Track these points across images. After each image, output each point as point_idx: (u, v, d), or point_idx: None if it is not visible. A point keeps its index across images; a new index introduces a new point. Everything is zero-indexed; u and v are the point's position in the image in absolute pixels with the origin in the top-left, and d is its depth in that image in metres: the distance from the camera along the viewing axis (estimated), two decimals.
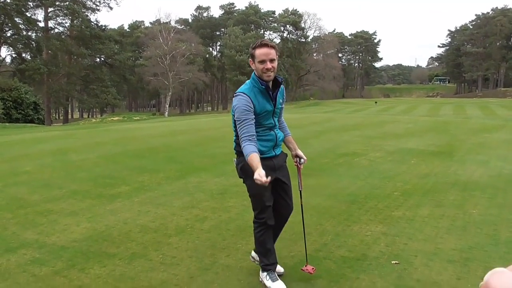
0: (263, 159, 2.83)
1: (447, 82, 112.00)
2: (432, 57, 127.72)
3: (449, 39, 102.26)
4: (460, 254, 3.66)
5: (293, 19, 75.99)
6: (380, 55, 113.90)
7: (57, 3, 54.30)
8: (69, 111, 70.35)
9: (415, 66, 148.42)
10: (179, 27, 72.14)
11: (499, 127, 15.51)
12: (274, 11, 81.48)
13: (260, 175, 2.58)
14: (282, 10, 79.19)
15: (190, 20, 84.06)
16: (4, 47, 53.37)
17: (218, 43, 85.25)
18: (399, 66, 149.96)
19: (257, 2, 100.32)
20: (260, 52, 2.85)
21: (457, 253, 3.68)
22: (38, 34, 54.90)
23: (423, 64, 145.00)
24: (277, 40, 79.76)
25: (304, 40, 79.71)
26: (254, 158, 2.72)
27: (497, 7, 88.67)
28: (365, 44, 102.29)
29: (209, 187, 6.21)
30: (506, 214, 4.80)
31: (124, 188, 6.10)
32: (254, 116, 2.86)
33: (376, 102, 52.85)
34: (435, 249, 3.77)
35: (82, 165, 8.07)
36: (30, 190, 6.17)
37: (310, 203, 5.33)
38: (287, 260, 3.59)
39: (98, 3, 57.61)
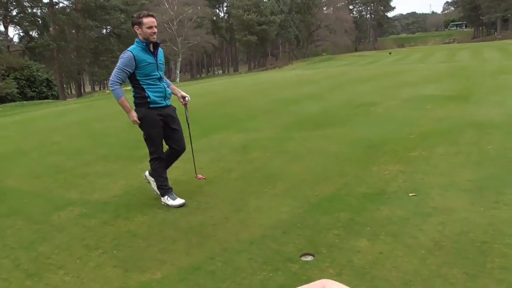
0: (157, 108, 3.86)
1: (464, 27, 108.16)
2: (447, 1, 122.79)
3: None
4: (474, 183, 3.91)
5: None
6: (392, 4, 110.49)
7: None
8: (81, 85, 70.92)
9: (430, 13, 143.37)
10: None
11: None
12: None
13: (132, 115, 3.84)
14: None
15: None
16: (11, 26, 53.51)
17: (225, 4, 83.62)
18: (413, 14, 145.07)
19: None
20: (148, 20, 3.74)
21: (471, 183, 3.92)
22: (44, 10, 54.64)
23: (439, 10, 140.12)
24: None
25: None
26: (125, 101, 3.84)
27: None
28: None
29: (231, 143, 6.50)
30: None
31: None
32: (131, 70, 3.75)
33: (390, 53, 51.75)
34: (451, 181, 4.02)
35: (108, 132, 8.44)
36: (64, 157, 6.56)
37: (329, 150, 5.60)
38: (312, 199, 3.88)
39: None
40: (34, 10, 54.65)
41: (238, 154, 5.81)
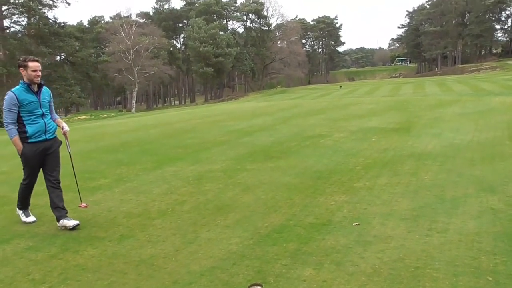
0: (36, 142, 4.29)
1: (408, 62, 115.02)
2: (392, 38, 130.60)
3: (408, 20, 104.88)
4: (411, 212, 4.21)
5: (255, 7, 76.13)
6: (342, 39, 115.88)
7: (11, 1, 52.34)
8: None
9: (377, 48, 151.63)
10: (140, 20, 71.07)
11: (454, 102, 16.46)
12: (236, 0, 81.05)
13: (20, 150, 4.29)
14: None
15: (151, 13, 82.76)
16: None
17: (182, 35, 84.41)
18: (361, 49, 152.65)
19: None
20: (33, 64, 4.19)
21: (408, 212, 4.22)
22: None
23: (385, 45, 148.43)
24: (241, 30, 79.86)
25: (267, 28, 80.00)
26: (17, 140, 4.25)
27: None
28: (327, 29, 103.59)
29: (185, 175, 6.56)
30: (453, 177, 5.41)
31: (104, 180, 6.39)
32: (17, 109, 4.18)
33: (340, 86, 53.94)
34: (391, 211, 4.31)
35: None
36: (11, 188, 6.33)
37: (281, 181, 5.81)
38: (262, 230, 4.03)
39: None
40: None
41: (191, 186, 5.89)
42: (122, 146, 9.77)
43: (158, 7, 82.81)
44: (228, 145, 9.25)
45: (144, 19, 76.36)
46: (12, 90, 4.23)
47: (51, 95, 4.57)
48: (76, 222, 4.33)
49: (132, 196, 5.49)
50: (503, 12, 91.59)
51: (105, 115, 44.38)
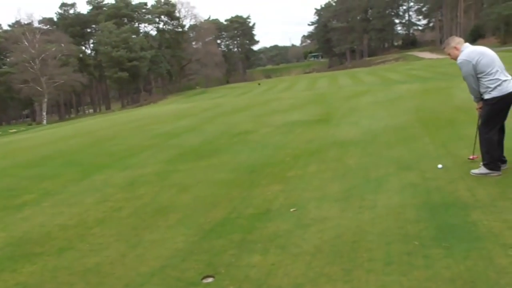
0: None
1: (320, 57, 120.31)
2: (304, 35, 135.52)
3: (317, 17, 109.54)
4: (342, 194, 4.55)
5: (167, 9, 74.70)
6: (256, 38, 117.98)
7: None
8: None
9: (291, 45, 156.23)
10: (44, 27, 66.39)
11: (366, 92, 17.66)
12: (146, 2, 78.65)
13: None
14: (155, 1, 77.15)
15: (55, 19, 77.65)
16: None
17: (91, 41, 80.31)
18: (276, 47, 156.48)
19: None
20: None
21: (340, 194, 4.56)
22: None
23: (297, 42, 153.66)
24: (154, 32, 77.92)
25: (181, 29, 78.91)
26: None
27: None
28: (241, 28, 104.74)
29: (116, 182, 6.41)
30: (374, 159, 5.89)
31: (29, 196, 6.02)
32: None
33: (259, 84, 55.07)
34: (323, 194, 4.61)
35: None
36: None
37: (216, 178, 5.92)
38: (205, 226, 4.11)
39: None
40: None
41: (125, 191, 5.78)
42: (42, 160, 9.22)
43: (62, 12, 77.89)
44: (157, 148, 9.13)
45: (48, 26, 71.45)
46: None
47: None
48: None
49: (64, 208, 5.26)
50: (400, 8, 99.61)
51: (14, 130, 41.04)
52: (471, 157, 4.97)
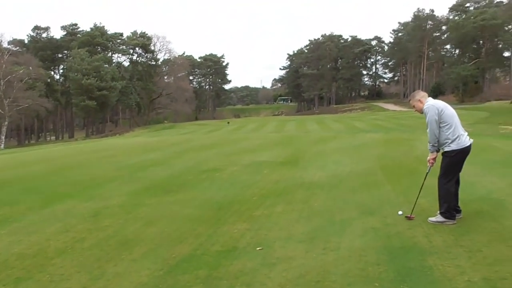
0: None
1: (289, 101, 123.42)
2: (275, 78, 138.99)
3: (289, 62, 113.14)
4: (307, 235, 4.66)
5: (142, 41, 75.18)
6: (229, 77, 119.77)
7: None
8: None
9: (261, 87, 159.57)
10: (13, 48, 65.27)
11: (332, 138, 18.21)
12: (122, 33, 78.85)
13: None
14: (131, 33, 77.52)
15: (26, 41, 76.51)
16: None
17: (61, 66, 79.21)
18: (246, 87, 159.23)
19: (103, 24, 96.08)
20: None
21: (305, 235, 4.66)
22: None
23: (268, 85, 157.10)
24: (126, 63, 77.89)
25: (154, 63, 79.33)
26: None
27: (325, 34, 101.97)
28: (214, 67, 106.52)
29: (79, 212, 6.27)
30: (339, 203, 6.07)
31: None
32: None
33: (228, 122, 55.54)
34: (289, 235, 4.71)
35: None
36: None
37: (183, 213, 5.91)
38: (171, 261, 4.09)
39: None
40: None
41: (88, 222, 5.66)
42: None
43: (35, 35, 76.96)
44: (122, 180, 9.02)
45: (18, 48, 70.31)
46: None
47: None
48: None
49: (22, 236, 5.09)
50: (368, 60, 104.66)
51: None
52: (409, 215, 4.99)
